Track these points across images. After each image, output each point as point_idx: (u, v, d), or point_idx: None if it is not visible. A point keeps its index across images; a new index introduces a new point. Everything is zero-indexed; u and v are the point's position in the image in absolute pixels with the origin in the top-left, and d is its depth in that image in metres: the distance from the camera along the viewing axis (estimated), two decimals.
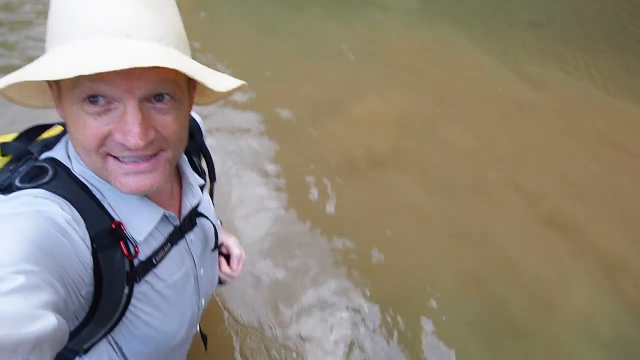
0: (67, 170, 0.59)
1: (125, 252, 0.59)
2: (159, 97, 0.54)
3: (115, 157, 0.56)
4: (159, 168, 0.58)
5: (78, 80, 0.49)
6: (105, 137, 0.54)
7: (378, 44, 4.14)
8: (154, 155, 0.57)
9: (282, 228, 2.15)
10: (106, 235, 0.57)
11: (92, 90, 0.50)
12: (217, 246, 0.84)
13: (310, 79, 3.39)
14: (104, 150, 0.55)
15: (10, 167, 0.61)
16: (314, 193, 2.38)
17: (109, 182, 0.59)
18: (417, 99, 3.39)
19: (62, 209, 0.53)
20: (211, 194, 0.88)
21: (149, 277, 0.66)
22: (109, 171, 0.57)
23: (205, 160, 0.85)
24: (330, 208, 2.32)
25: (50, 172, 0.57)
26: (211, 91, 0.62)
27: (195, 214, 0.75)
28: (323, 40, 4.04)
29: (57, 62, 0.46)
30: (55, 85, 0.56)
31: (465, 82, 3.79)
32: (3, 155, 0.62)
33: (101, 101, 0.51)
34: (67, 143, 0.63)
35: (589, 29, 5.64)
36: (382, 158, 2.75)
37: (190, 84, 0.63)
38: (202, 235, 0.79)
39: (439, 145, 2.96)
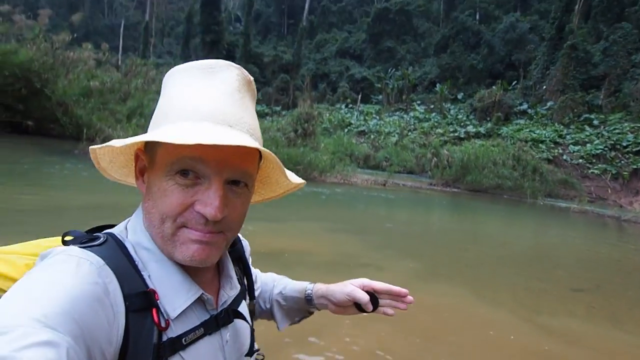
0: (117, 240, 0.64)
1: (156, 319, 0.59)
2: (236, 182, 0.64)
3: (187, 227, 0.63)
4: (217, 243, 0.65)
5: (181, 157, 0.60)
6: (187, 207, 0.61)
7: None
8: (217, 232, 0.64)
9: None
10: (139, 296, 0.59)
11: (189, 166, 0.60)
12: (252, 352, 0.81)
13: None
14: (181, 220, 0.62)
15: None
16: None
17: (171, 252, 0.64)
18: (401, 334, 3.05)
19: (97, 269, 0.56)
20: (251, 315, 0.85)
21: None
22: (176, 238, 0.63)
23: (245, 276, 0.86)
24: None
25: (102, 239, 0.62)
26: (263, 192, 0.84)
27: (234, 312, 0.74)
28: None
29: (188, 133, 0.57)
30: (148, 159, 0.66)
31: (466, 329, 3.39)
32: (64, 243, 0.65)
33: (190, 175, 0.61)
34: (127, 221, 0.69)
35: None
36: None
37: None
38: (237, 340, 0.76)
39: None
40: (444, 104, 34.69)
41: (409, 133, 30.35)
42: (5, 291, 0.54)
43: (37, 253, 0.63)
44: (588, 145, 24.42)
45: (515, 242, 8.91)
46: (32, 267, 0.59)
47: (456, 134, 28.91)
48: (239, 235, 0.87)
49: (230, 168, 0.62)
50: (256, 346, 0.84)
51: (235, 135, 0.59)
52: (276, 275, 1.03)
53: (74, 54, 19.84)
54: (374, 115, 35.35)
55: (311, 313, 0.99)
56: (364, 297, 0.87)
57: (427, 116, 33.62)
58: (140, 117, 15.69)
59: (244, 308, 0.80)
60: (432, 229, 9.40)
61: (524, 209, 14.50)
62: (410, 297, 0.89)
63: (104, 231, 0.67)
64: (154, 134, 0.59)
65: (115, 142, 0.60)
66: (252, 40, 47.42)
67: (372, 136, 30.67)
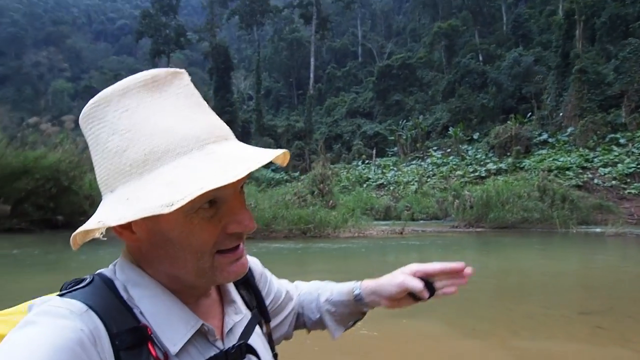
0: (105, 279, 0.61)
1: (154, 353, 0.55)
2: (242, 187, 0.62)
3: (219, 252, 0.60)
4: (245, 253, 0.64)
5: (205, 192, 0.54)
6: (220, 234, 0.59)
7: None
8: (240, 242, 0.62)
9: None
10: (129, 333, 0.55)
11: (212, 195, 0.56)
12: None
13: None
14: (214, 249, 0.59)
15: None
16: None
17: (211, 280, 0.61)
18: None
19: (78, 316, 0.53)
20: (270, 338, 0.80)
21: None
22: (214, 267, 0.60)
23: (255, 295, 0.80)
24: None
25: (88, 280, 0.60)
26: None
27: (246, 347, 0.68)
28: None
29: (218, 168, 0.53)
30: None
31: None
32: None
33: (213, 203, 0.58)
34: (114, 263, 0.66)
35: None
36: None
37: None
38: None
39: None
40: (460, 146, 34.18)
41: (428, 179, 29.72)
42: None
43: None
44: (619, 165, 23.07)
45: (522, 271, 8.19)
46: None
47: (477, 174, 28.06)
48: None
49: (242, 179, 0.58)
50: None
51: (248, 150, 0.58)
52: (320, 283, 0.98)
53: None
54: (391, 167, 35.07)
55: (364, 313, 0.93)
56: (418, 285, 0.81)
57: (444, 160, 33.06)
58: None
59: (259, 337, 0.75)
60: None
61: (555, 239, 13.37)
62: (468, 269, 0.82)
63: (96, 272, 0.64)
64: (192, 187, 0.51)
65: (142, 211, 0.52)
66: (266, 114, 49.33)
67: (391, 187, 30.19)
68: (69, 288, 0.58)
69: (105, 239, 0.70)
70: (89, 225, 0.56)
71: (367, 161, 38.25)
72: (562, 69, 31.26)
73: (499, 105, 37.52)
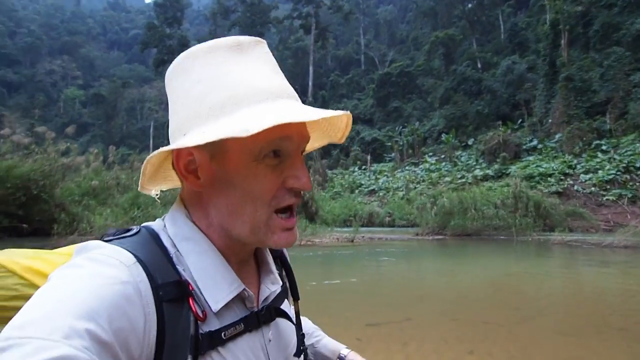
0: (151, 232, 0.62)
1: (194, 309, 0.56)
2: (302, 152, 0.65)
3: (277, 213, 0.61)
4: (296, 226, 0.65)
5: (273, 139, 0.58)
6: (278, 187, 0.60)
7: None
8: (293, 212, 0.64)
9: None
10: (173, 285, 0.56)
11: (279, 146, 0.59)
12: (300, 352, 0.74)
13: None
14: (274, 203, 0.60)
15: None
16: None
17: (263, 239, 0.62)
18: None
19: (127, 267, 0.53)
20: (297, 315, 0.80)
21: (216, 358, 0.58)
22: (269, 226, 0.61)
23: (286, 273, 0.81)
24: None
25: (135, 230, 0.60)
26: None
27: (276, 310, 0.70)
28: None
29: (293, 109, 0.57)
30: (207, 152, 0.60)
31: None
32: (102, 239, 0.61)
33: (277, 154, 0.60)
34: (164, 216, 0.66)
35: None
36: None
37: None
38: (281, 340, 0.71)
39: None
40: (454, 152, 34.66)
41: (417, 185, 30.24)
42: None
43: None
44: (600, 172, 23.33)
45: (385, 274, 8.61)
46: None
47: (464, 180, 28.53)
48: None
49: (304, 140, 0.64)
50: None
51: (311, 109, 0.59)
52: (311, 323, 0.99)
53: (69, 160, 21.71)
54: (385, 173, 35.70)
55: None
56: None
57: (437, 166, 33.58)
58: (137, 208, 16.70)
59: (287, 308, 0.76)
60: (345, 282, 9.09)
61: (493, 247, 13.62)
62: None
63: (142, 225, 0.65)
64: (261, 121, 0.53)
65: (197, 138, 0.55)
66: None
67: (381, 194, 30.83)
68: (115, 236, 0.59)
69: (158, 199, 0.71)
70: (164, 148, 0.59)
71: (363, 167, 38.93)
72: (550, 76, 31.60)
73: (494, 111, 37.87)
